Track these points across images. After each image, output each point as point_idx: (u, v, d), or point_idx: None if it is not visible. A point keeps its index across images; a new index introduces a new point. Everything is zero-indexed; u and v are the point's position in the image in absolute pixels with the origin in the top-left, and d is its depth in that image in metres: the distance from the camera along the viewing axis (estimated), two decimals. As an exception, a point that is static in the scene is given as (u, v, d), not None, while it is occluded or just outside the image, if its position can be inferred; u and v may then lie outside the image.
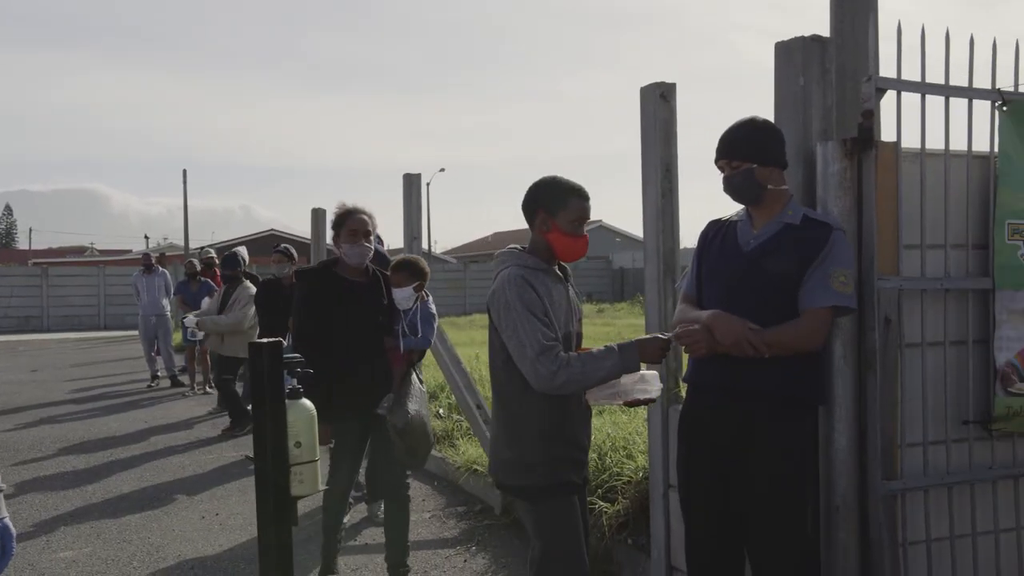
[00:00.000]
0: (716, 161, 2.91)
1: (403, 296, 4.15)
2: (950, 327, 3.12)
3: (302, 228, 11.06)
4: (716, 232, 3.03)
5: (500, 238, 44.10)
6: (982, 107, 3.09)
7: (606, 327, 16.59)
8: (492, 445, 3.10)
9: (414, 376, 4.15)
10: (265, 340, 2.16)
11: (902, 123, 2.98)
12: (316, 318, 4.03)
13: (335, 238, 4.19)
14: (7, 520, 2.17)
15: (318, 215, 9.06)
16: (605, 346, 2.80)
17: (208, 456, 7.58)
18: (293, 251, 7.38)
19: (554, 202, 2.89)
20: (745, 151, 2.84)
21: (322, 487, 3.82)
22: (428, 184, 35.03)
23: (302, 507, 2.45)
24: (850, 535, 2.98)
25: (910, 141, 3.03)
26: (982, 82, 3.09)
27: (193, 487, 6.49)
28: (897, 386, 2.99)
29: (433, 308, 4.36)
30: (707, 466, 2.93)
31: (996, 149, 3.09)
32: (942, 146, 3.06)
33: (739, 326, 2.71)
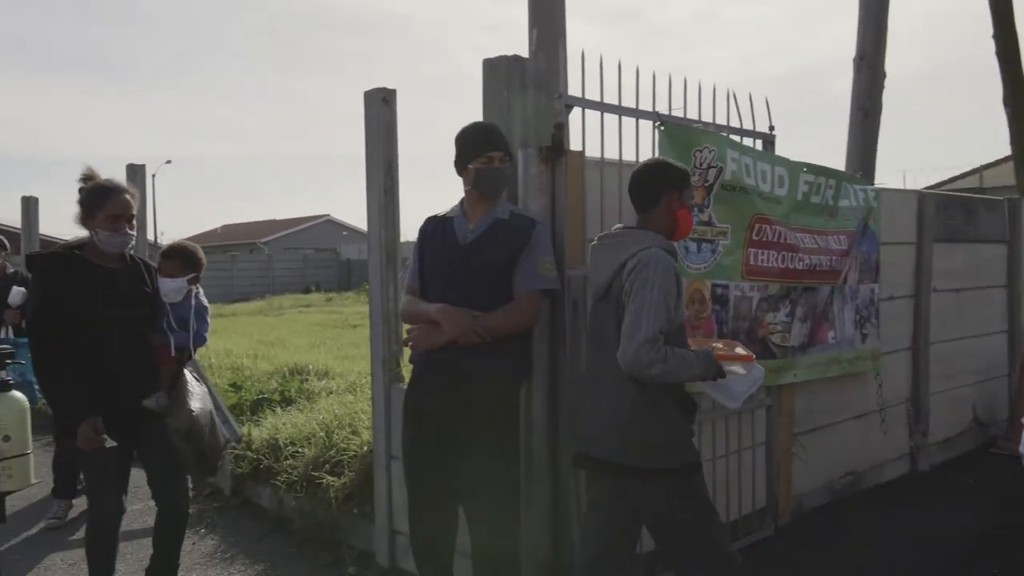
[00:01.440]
0: (484, 153, 3.01)
1: (174, 287, 3.53)
2: (624, 308, 3.56)
3: (13, 218, 9.93)
4: (435, 227, 3.18)
5: (229, 230, 42.17)
6: (648, 125, 3.55)
7: (333, 314, 16.53)
8: (605, 430, 2.80)
9: (188, 375, 3.59)
10: None
11: (587, 136, 3.38)
12: (58, 310, 3.24)
13: (85, 220, 3.35)
14: None
15: (29, 203, 8.24)
16: (696, 350, 2.75)
17: None
18: (4, 240, 6.66)
19: (683, 180, 2.89)
20: (506, 146, 3.06)
21: (34, 480, 3.47)
22: (154, 176, 32.71)
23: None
24: (545, 491, 3.34)
25: (596, 151, 3.45)
26: (650, 105, 3.58)
27: None
28: (581, 360, 3.38)
29: (206, 301, 3.77)
30: (431, 439, 3.08)
31: (658, 161, 3.57)
32: (620, 156, 3.51)
33: (464, 318, 2.87)
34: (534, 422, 3.32)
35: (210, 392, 4.14)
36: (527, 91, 3.33)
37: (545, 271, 3.00)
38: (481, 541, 3.05)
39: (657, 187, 2.87)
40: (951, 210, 5.56)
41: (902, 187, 5.14)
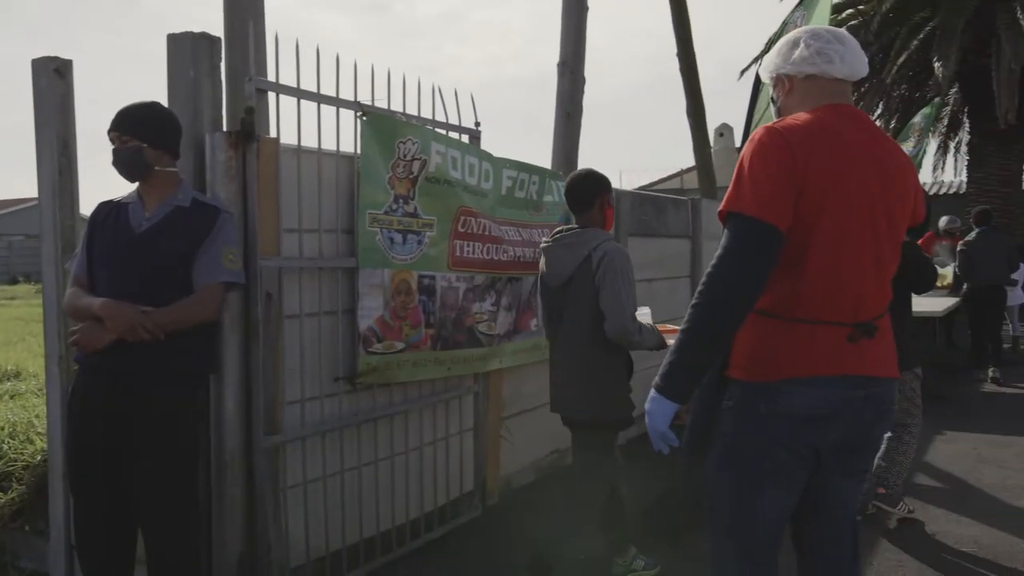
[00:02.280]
0: (109, 132, 2.77)
1: None
2: (324, 300, 3.42)
3: None
4: (107, 213, 2.86)
5: None
6: (347, 114, 3.43)
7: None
8: (586, 391, 3.46)
9: None
10: None
11: (282, 121, 3.20)
12: None
13: None
14: None
15: None
16: (647, 324, 3.45)
17: None
18: None
19: (609, 185, 3.62)
20: (134, 128, 2.75)
21: None
22: None
23: None
24: (237, 487, 3.13)
25: (292, 138, 3.28)
26: (352, 95, 3.46)
27: None
28: (279, 352, 3.22)
29: None
30: (98, 444, 2.77)
31: (359, 151, 3.46)
32: (319, 145, 3.36)
33: (130, 312, 2.60)
34: (225, 419, 3.11)
35: None
36: (217, 72, 3.10)
37: (229, 263, 2.80)
38: (157, 552, 2.80)
39: (593, 192, 3.52)
40: (644, 207, 5.98)
41: (619, 187, 5.39)
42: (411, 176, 3.69)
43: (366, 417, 3.63)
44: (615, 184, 4.32)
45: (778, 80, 2.24)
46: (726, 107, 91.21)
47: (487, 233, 4.19)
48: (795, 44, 2.18)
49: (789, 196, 1.97)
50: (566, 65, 5.60)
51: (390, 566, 3.73)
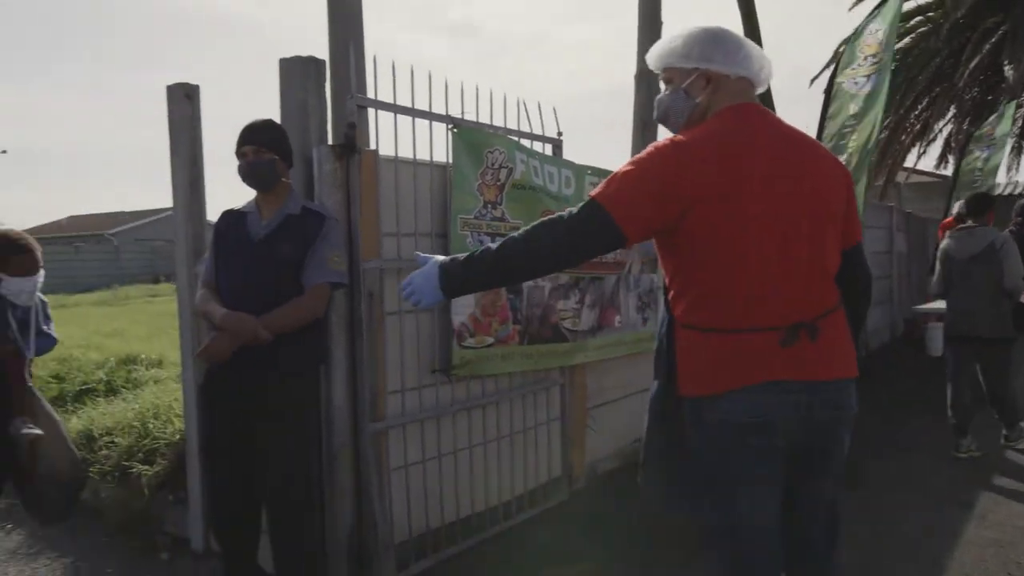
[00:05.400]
0: (239, 149, 2.82)
1: (27, 288, 2.73)
2: (421, 298, 3.43)
3: None
4: (230, 222, 2.94)
5: (75, 221, 38.37)
6: (440, 127, 3.41)
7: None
8: (985, 319, 5.00)
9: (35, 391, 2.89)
10: None
11: (384, 136, 3.22)
12: None
13: None
14: None
15: None
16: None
17: None
18: None
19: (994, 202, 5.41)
20: (269, 142, 2.81)
21: None
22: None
23: None
24: (347, 469, 3.16)
25: (390, 150, 3.28)
26: (444, 109, 3.44)
27: None
28: (381, 346, 3.23)
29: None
30: (227, 428, 2.86)
31: (451, 160, 3.45)
32: (414, 156, 3.36)
33: (248, 323, 2.65)
34: (335, 407, 3.13)
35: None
36: (323, 91, 3.14)
37: (334, 264, 2.83)
38: (279, 523, 2.85)
39: (987, 204, 5.11)
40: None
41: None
42: (498, 183, 3.65)
43: (461, 406, 3.60)
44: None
45: (699, 76, 1.98)
46: (796, 114, 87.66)
47: (570, 235, 4.11)
48: (728, 41, 1.99)
49: (655, 209, 1.83)
50: (642, 76, 5.48)
51: (484, 544, 3.68)
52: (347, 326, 3.15)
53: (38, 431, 2.63)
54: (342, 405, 3.15)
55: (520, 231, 1.90)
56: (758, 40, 9.75)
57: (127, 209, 38.53)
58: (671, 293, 2.00)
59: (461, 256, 1.96)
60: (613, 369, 4.69)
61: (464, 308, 3.50)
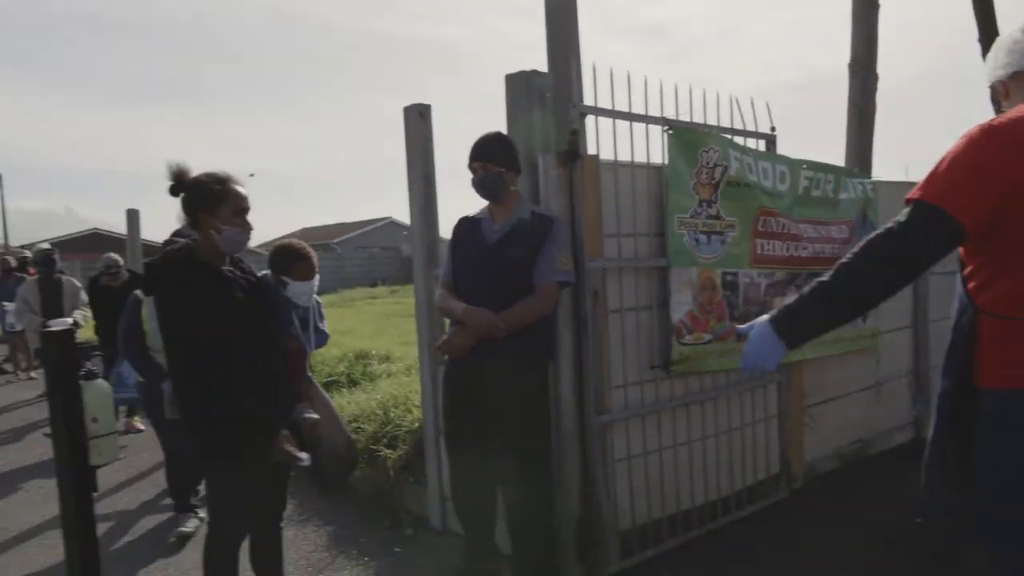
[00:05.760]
0: (471, 164, 3.03)
1: (307, 290, 3.01)
2: (640, 296, 3.48)
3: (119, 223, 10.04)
4: (466, 227, 3.16)
5: (306, 233, 42.92)
6: (656, 130, 3.46)
7: (397, 304, 16.59)
8: None
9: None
10: (57, 329, 1.99)
11: (603, 141, 3.31)
12: (211, 327, 2.49)
13: (203, 218, 2.58)
14: None
15: (132, 216, 8.41)
16: None
17: (32, 435, 6.94)
18: (117, 257, 6.73)
19: None
20: (496, 156, 3.00)
21: (120, 456, 3.26)
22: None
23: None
24: (574, 459, 3.27)
25: (609, 154, 3.38)
26: (659, 111, 3.49)
27: (19, 461, 5.99)
28: (604, 343, 3.33)
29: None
30: (466, 416, 3.07)
31: (666, 161, 3.48)
32: (631, 159, 3.43)
33: (487, 317, 2.84)
34: (563, 400, 3.26)
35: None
36: (546, 102, 3.29)
37: (562, 264, 2.96)
38: (515, 506, 3.03)
39: None
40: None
41: (903, 180, 4.92)
42: (713, 181, 3.63)
43: (679, 402, 3.63)
44: (900, 177, 3.91)
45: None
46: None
47: (786, 231, 4.00)
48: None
49: (984, 194, 1.69)
50: (857, 63, 5.18)
51: (705, 537, 3.68)
52: (573, 323, 3.27)
53: (316, 416, 2.98)
54: (569, 398, 3.27)
55: (846, 257, 1.82)
56: (989, 10, 8.84)
57: (348, 220, 42.40)
58: (974, 282, 1.87)
59: (789, 303, 1.90)
60: (831, 367, 4.50)
61: (682, 305, 3.52)
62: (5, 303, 9.47)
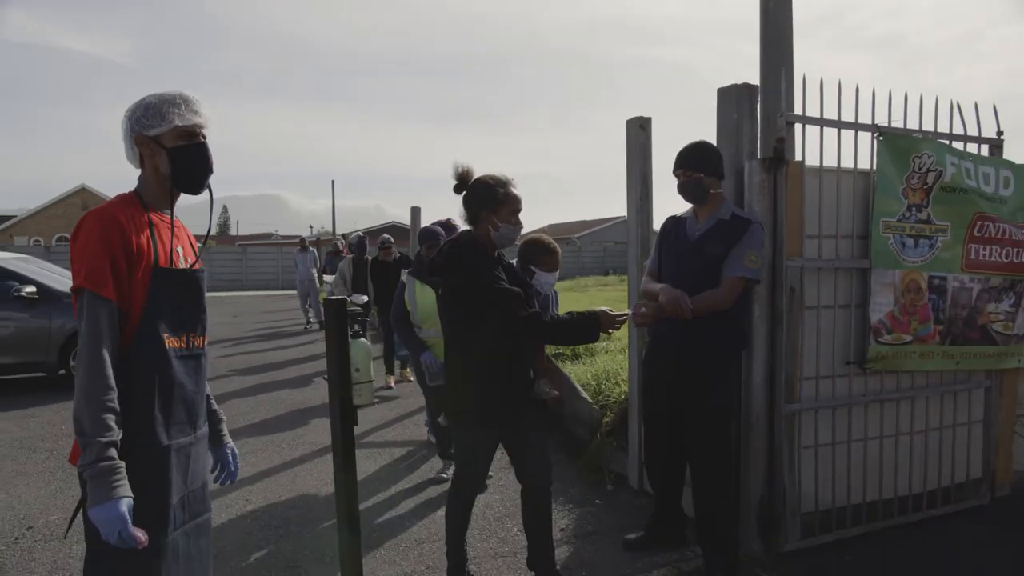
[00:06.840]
0: (674, 171, 3.24)
1: (550, 281, 3.27)
2: (839, 295, 3.52)
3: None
4: (673, 225, 3.40)
5: (553, 228, 46.92)
6: (864, 136, 3.47)
7: (623, 291, 17.03)
8: None
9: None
10: (335, 298, 2.32)
11: (808, 147, 3.38)
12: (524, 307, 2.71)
13: (485, 215, 2.80)
14: (233, 445, 2.28)
15: (415, 211, 10.85)
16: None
17: (317, 379, 8.44)
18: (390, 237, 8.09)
19: None
20: (696, 164, 3.19)
21: (375, 400, 3.70)
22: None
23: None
24: (761, 442, 3.44)
25: (815, 160, 3.43)
26: (869, 119, 3.48)
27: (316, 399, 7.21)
28: (798, 337, 3.43)
29: None
30: (661, 395, 3.35)
31: (875, 167, 3.47)
32: (837, 164, 3.47)
33: (677, 294, 3.05)
34: (754, 387, 3.42)
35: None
36: (754, 112, 3.41)
37: (750, 263, 3.08)
38: (700, 479, 3.25)
39: None
40: None
41: None
42: (925, 186, 3.56)
43: (873, 398, 3.63)
44: None
45: None
46: None
47: (1007, 237, 3.79)
48: None
49: None
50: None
51: (891, 529, 3.67)
52: (768, 317, 3.41)
53: (555, 392, 3.12)
54: (759, 386, 3.42)
55: None
56: None
57: (588, 218, 45.96)
58: None
59: None
60: (1053, 377, 4.16)
61: (883, 306, 3.52)
62: (326, 276, 12.50)
